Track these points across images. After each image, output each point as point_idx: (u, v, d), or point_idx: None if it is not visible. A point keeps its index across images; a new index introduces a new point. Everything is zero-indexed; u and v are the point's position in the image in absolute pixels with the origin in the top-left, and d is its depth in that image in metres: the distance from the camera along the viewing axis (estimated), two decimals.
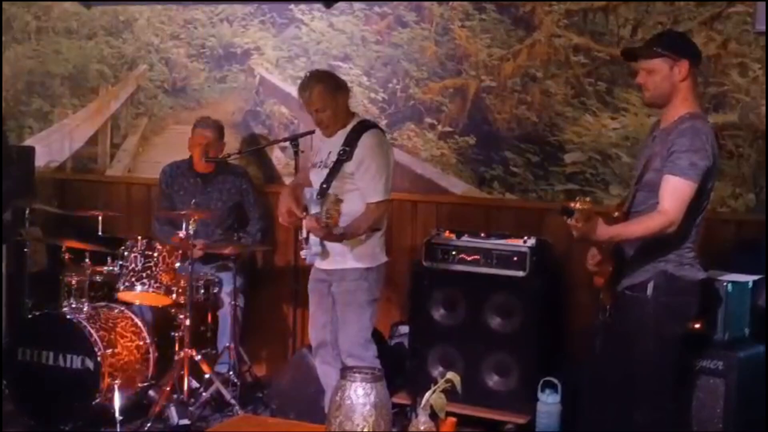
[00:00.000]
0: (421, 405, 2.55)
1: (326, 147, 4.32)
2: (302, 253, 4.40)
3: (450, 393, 2.59)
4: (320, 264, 4.31)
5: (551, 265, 4.87)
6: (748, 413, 3.89)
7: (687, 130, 3.43)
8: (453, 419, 2.56)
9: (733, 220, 4.69)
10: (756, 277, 4.05)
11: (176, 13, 5.97)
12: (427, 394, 2.55)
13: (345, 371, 2.55)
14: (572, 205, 3.22)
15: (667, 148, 3.43)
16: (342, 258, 4.22)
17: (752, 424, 3.89)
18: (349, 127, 4.27)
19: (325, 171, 4.24)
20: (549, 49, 5.07)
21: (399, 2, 5.37)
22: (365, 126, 4.30)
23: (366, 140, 4.21)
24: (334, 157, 4.23)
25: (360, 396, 2.50)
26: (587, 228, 3.27)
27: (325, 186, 4.20)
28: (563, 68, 5.04)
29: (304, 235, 4.34)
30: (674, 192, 3.38)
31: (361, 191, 4.20)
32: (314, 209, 4.21)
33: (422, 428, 2.53)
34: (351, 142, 4.21)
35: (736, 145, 4.70)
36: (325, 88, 4.22)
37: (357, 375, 2.53)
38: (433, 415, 2.60)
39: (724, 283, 3.91)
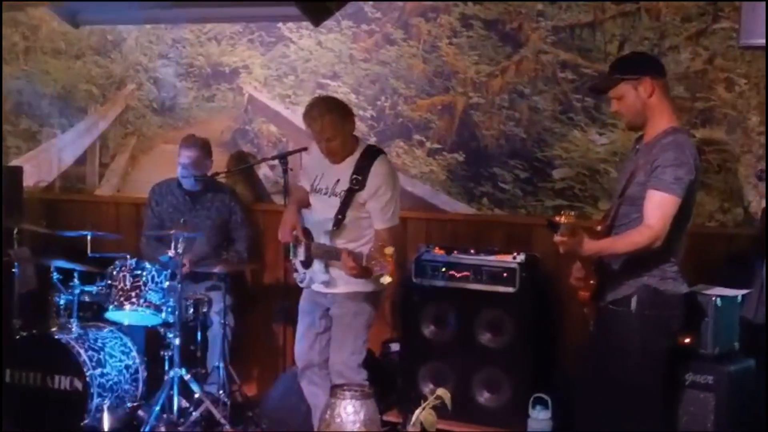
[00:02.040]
0: (411, 422, 2.54)
1: (332, 173, 4.27)
2: (298, 277, 4.39)
3: (440, 410, 2.59)
4: (319, 287, 4.30)
5: (541, 280, 4.87)
6: (739, 427, 3.89)
7: (670, 144, 3.45)
8: None
9: (722, 235, 4.70)
10: (745, 291, 4.05)
11: (164, 33, 5.98)
12: (417, 411, 2.54)
13: (335, 389, 2.55)
14: (557, 219, 3.25)
15: (651, 162, 3.45)
16: (346, 282, 4.19)
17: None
18: (357, 153, 4.24)
19: (335, 200, 4.21)
20: (536, 65, 5.09)
21: (386, 20, 5.38)
22: (373, 153, 4.27)
23: (378, 169, 4.19)
24: (344, 186, 4.20)
25: (350, 414, 2.50)
26: (573, 242, 3.30)
27: (340, 217, 4.18)
28: (551, 84, 5.06)
29: (301, 258, 4.33)
30: (659, 207, 3.40)
31: (372, 217, 4.19)
32: (322, 238, 4.20)
33: None
34: (362, 171, 4.18)
35: (724, 160, 4.72)
36: (335, 117, 4.18)
37: (347, 393, 2.53)
38: None
39: (713, 298, 3.91)
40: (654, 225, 3.37)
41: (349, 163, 4.23)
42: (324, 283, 4.25)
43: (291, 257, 4.45)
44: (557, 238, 3.27)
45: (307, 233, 4.35)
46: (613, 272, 3.55)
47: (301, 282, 4.39)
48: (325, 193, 4.28)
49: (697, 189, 3.60)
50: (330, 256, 4.17)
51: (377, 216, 4.19)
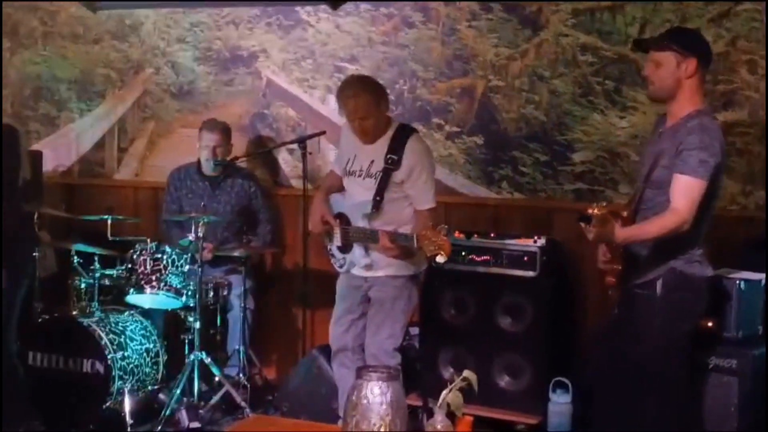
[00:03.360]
0: (438, 404, 2.54)
1: (366, 154, 4.23)
2: (336, 263, 4.37)
3: (467, 392, 2.58)
4: (359, 271, 4.28)
5: (561, 264, 4.86)
6: (762, 411, 3.87)
7: (696, 127, 3.42)
8: (470, 418, 2.55)
9: (744, 218, 4.67)
10: None
11: (182, 17, 5.97)
12: (444, 393, 2.54)
13: (361, 370, 2.54)
14: (590, 211, 3.23)
15: (676, 146, 3.42)
16: (387, 264, 4.17)
17: (766, 422, 3.87)
18: (390, 133, 4.20)
19: (371, 181, 4.18)
20: (556, 48, 5.06)
21: (405, 3, 5.36)
22: (406, 131, 4.23)
23: (412, 147, 4.15)
24: (379, 166, 4.15)
25: (376, 395, 2.49)
26: (604, 232, 3.29)
27: (378, 199, 4.14)
28: (571, 67, 5.03)
29: (338, 243, 4.31)
30: (686, 191, 3.38)
31: (412, 198, 4.16)
32: (360, 222, 4.18)
33: (439, 427, 2.52)
34: (396, 150, 4.13)
35: (746, 143, 4.69)
36: (370, 96, 4.14)
37: (373, 374, 2.52)
38: (450, 415, 2.59)
39: (737, 281, 3.90)
40: (681, 209, 3.36)
41: (383, 143, 4.18)
42: (365, 267, 4.22)
43: (326, 244, 4.42)
44: (589, 230, 3.25)
45: (341, 218, 4.32)
46: (638, 256, 3.54)
47: (341, 267, 4.36)
48: (360, 175, 4.24)
49: (723, 172, 3.57)
50: (369, 239, 4.13)
51: (418, 197, 4.15)
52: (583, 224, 3.21)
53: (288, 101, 5.74)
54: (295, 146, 5.31)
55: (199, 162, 5.38)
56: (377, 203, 4.14)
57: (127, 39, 6.12)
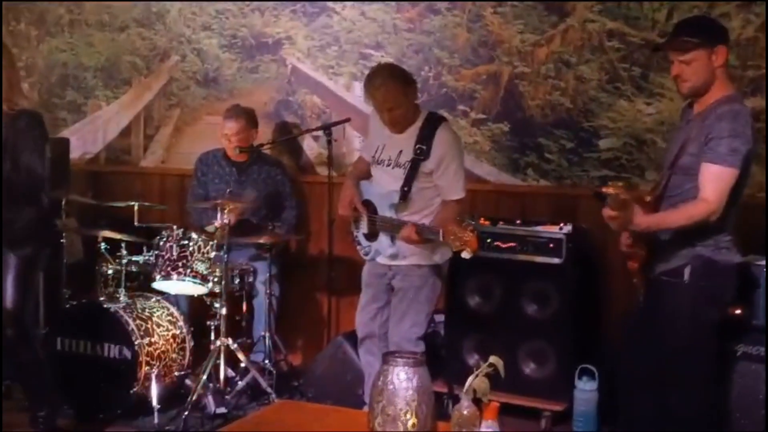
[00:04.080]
0: (465, 389, 2.54)
1: (395, 144, 4.19)
2: (362, 251, 4.36)
3: (493, 378, 2.58)
4: (384, 259, 4.27)
5: (587, 251, 4.84)
6: None
7: (725, 114, 3.37)
8: (496, 404, 2.54)
9: None
10: None
11: (207, 4, 5.98)
12: (470, 378, 2.54)
13: (387, 356, 2.55)
14: (604, 189, 3.19)
15: (705, 134, 3.37)
16: (412, 254, 4.15)
17: None
18: (419, 122, 4.15)
19: (399, 171, 4.14)
20: (583, 34, 5.02)
21: None
22: (436, 120, 4.17)
23: (441, 137, 4.10)
24: (408, 156, 4.11)
25: (402, 380, 2.49)
26: (624, 217, 3.25)
27: (406, 189, 4.11)
28: (597, 53, 5.00)
29: (365, 231, 4.31)
30: (716, 180, 3.33)
31: (440, 189, 4.12)
32: (388, 212, 4.16)
33: (465, 412, 2.52)
34: (425, 140, 4.08)
35: None
36: (398, 85, 4.07)
37: (399, 360, 2.52)
38: (476, 400, 2.59)
39: (765, 269, 3.87)
40: (710, 198, 3.31)
41: (412, 133, 4.14)
42: (390, 257, 4.21)
43: (353, 230, 4.43)
44: (607, 212, 3.22)
45: (369, 205, 4.31)
46: (664, 243, 3.50)
47: (366, 255, 4.35)
48: (388, 165, 4.20)
49: (753, 159, 3.52)
50: (395, 229, 4.10)
51: (447, 187, 4.10)
52: (599, 202, 3.18)
53: (313, 88, 5.74)
54: (320, 133, 5.32)
55: (225, 148, 5.39)
56: (405, 194, 4.11)
57: (153, 26, 6.15)
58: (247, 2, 5.86)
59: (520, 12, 5.15)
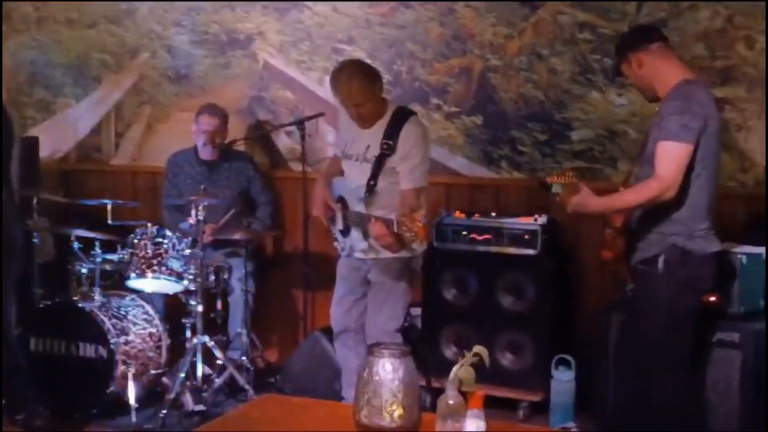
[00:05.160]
0: (450, 379, 2.55)
1: (363, 139, 4.18)
2: (338, 246, 4.37)
3: (478, 367, 2.59)
4: (359, 254, 4.27)
5: (562, 242, 4.88)
6: (765, 385, 3.89)
7: (675, 94, 3.47)
8: (481, 393, 2.56)
9: (743, 194, 4.69)
10: None
11: (178, 0, 5.94)
12: (455, 368, 2.55)
13: (373, 348, 2.55)
14: (548, 179, 3.32)
15: (660, 116, 3.46)
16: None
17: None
18: (387, 117, 4.15)
19: (367, 166, 4.14)
20: (554, 26, 5.05)
21: None
22: (404, 115, 4.17)
23: (408, 131, 4.09)
24: (375, 151, 4.11)
25: (388, 372, 2.50)
26: (577, 200, 3.38)
27: (372, 183, 4.11)
28: (569, 45, 5.03)
29: (340, 227, 4.31)
30: (666, 155, 3.39)
31: (400, 178, 4.10)
32: (357, 206, 4.17)
33: (451, 402, 2.53)
34: (392, 135, 4.08)
35: (745, 119, 4.70)
36: (363, 81, 4.07)
37: (385, 351, 2.53)
38: (460, 390, 2.60)
39: (738, 256, 3.91)
40: (662, 174, 3.37)
41: (380, 128, 4.14)
42: (363, 251, 4.21)
43: (330, 227, 4.42)
44: (559, 197, 3.37)
45: (342, 201, 4.31)
46: (641, 232, 3.55)
47: (342, 250, 4.35)
48: (357, 160, 4.21)
49: (718, 141, 3.54)
50: (365, 223, 4.10)
51: (404, 176, 4.09)
52: (545, 192, 3.36)
53: (285, 84, 5.72)
54: (293, 128, 5.31)
55: (196, 147, 5.36)
56: (371, 188, 4.11)
57: (123, 23, 6.09)
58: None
59: (492, 5, 5.17)
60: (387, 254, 4.13)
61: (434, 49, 5.32)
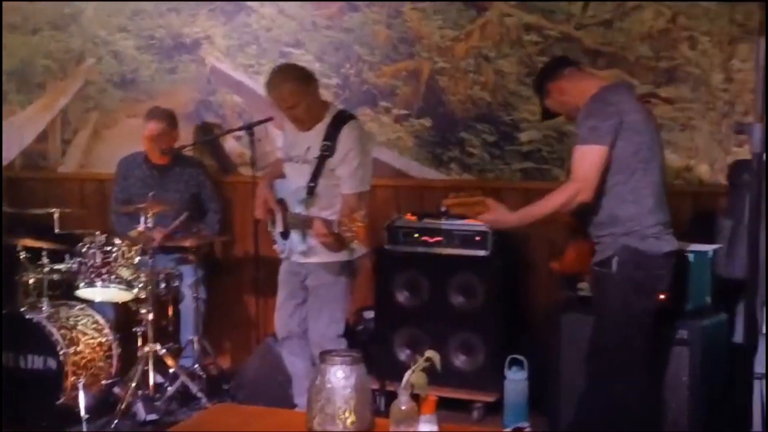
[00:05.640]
0: (402, 384, 2.55)
1: (303, 141, 4.21)
2: (278, 249, 4.35)
3: (430, 371, 2.60)
4: (298, 257, 4.26)
5: (512, 243, 4.91)
6: (713, 380, 3.96)
7: (588, 102, 3.55)
8: (434, 398, 2.56)
9: (688, 192, 4.75)
10: (715, 247, 4.11)
11: (123, 5, 5.87)
12: (408, 374, 2.55)
13: (324, 355, 2.54)
14: (443, 208, 3.52)
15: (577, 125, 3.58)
16: (323, 251, 4.14)
17: (717, 391, 3.95)
18: (327, 119, 4.17)
19: (307, 167, 4.16)
20: (501, 28, 5.08)
21: None
22: (343, 118, 4.20)
23: (347, 134, 4.12)
24: (315, 153, 4.13)
25: (340, 379, 2.50)
26: (490, 218, 3.52)
27: (312, 185, 4.13)
28: (516, 47, 5.06)
29: (280, 229, 4.29)
30: (579, 159, 3.47)
31: (340, 182, 4.12)
32: (297, 207, 4.16)
33: (404, 408, 2.53)
34: (331, 137, 4.11)
35: (689, 118, 4.77)
36: (295, 83, 4.10)
37: (337, 358, 2.52)
38: (413, 395, 2.60)
39: (686, 254, 3.96)
40: (575, 177, 3.45)
41: (319, 130, 4.17)
42: (302, 253, 4.21)
43: (271, 230, 4.41)
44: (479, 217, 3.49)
45: (282, 203, 4.31)
46: (596, 235, 3.60)
47: (282, 253, 4.35)
48: (297, 161, 4.23)
49: (652, 136, 3.59)
50: (304, 225, 4.13)
51: (345, 180, 4.11)
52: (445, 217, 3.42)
53: (233, 88, 5.69)
54: (242, 133, 5.28)
55: (147, 151, 5.31)
56: (311, 189, 4.14)
57: (67, 28, 6.01)
58: (164, 2, 5.77)
59: (438, 7, 5.19)
60: (324, 258, 4.14)
61: (382, 52, 5.32)
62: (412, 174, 5.31)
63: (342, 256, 4.17)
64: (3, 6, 6.08)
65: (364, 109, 5.35)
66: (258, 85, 5.59)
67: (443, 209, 3.45)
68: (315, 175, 4.15)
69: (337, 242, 3.91)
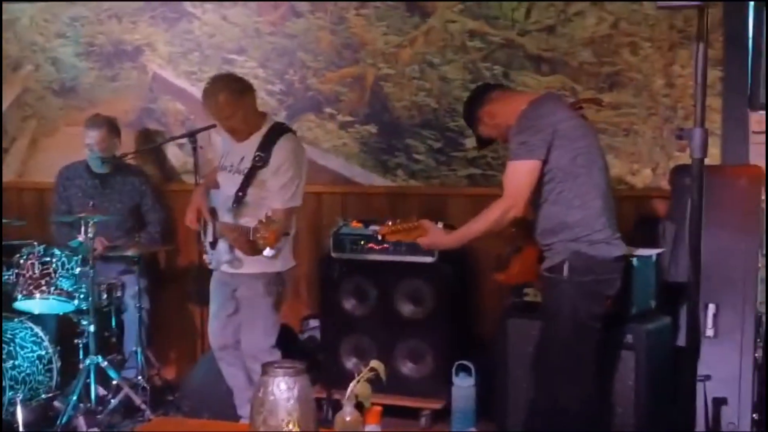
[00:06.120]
0: (347, 395, 2.52)
1: (238, 151, 4.17)
2: (207, 259, 4.30)
3: (374, 382, 2.57)
4: (226, 267, 4.22)
5: (458, 249, 4.87)
6: (658, 383, 3.98)
7: (516, 119, 3.56)
8: (379, 408, 2.54)
9: (632, 197, 4.79)
10: (659, 251, 4.14)
11: (61, 11, 5.76)
12: (352, 384, 2.52)
13: (266, 367, 2.50)
14: (379, 236, 3.56)
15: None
16: (251, 262, 4.10)
17: (662, 394, 3.98)
18: (263, 130, 4.14)
19: (239, 177, 4.11)
20: (445, 34, 5.08)
21: None
22: (280, 130, 4.17)
23: (282, 146, 4.09)
24: (248, 163, 4.09)
25: (283, 391, 2.45)
26: (427, 242, 3.58)
27: (240, 194, 4.09)
28: (460, 53, 5.06)
29: (210, 239, 4.24)
30: (509, 175, 3.52)
31: (270, 195, 4.07)
32: (226, 216, 4.12)
33: (348, 419, 2.50)
34: (266, 148, 4.07)
35: (631, 123, 4.81)
36: (230, 94, 4.06)
37: (279, 370, 2.48)
38: (358, 406, 2.57)
39: (630, 258, 3.98)
40: (507, 194, 3.49)
41: (254, 141, 4.13)
42: (228, 263, 4.16)
43: (202, 239, 4.35)
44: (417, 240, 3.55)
45: (213, 213, 4.25)
46: (547, 242, 3.60)
47: (210, 263, 4.30)
48: (230, 171, 4.19)
49: (589, 141, 3.61)
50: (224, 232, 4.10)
51: (276, 194, 4.06)
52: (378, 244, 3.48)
53: (176, 95, 5.62)
54: (185, 140, 5.20)
55: (88, 160, 5.22)
56: (239, 198, 4.09)
57: (3, 35, 5.88)
58: (104, 8, 5.67)
59: (382, 14, 5.17)
60: (251, 269, 4.10)
61: (326, 58, 5.29)
62: (357, 181, 5.29)
63: (272, 268, 4.13)
64: None
65: (308, 115, 5.32)
66: (201, 92, 5.51)
67: (380, 238, 3.44)
68: (245, 185, 4.10)
69: (251, 248, 3.89)
